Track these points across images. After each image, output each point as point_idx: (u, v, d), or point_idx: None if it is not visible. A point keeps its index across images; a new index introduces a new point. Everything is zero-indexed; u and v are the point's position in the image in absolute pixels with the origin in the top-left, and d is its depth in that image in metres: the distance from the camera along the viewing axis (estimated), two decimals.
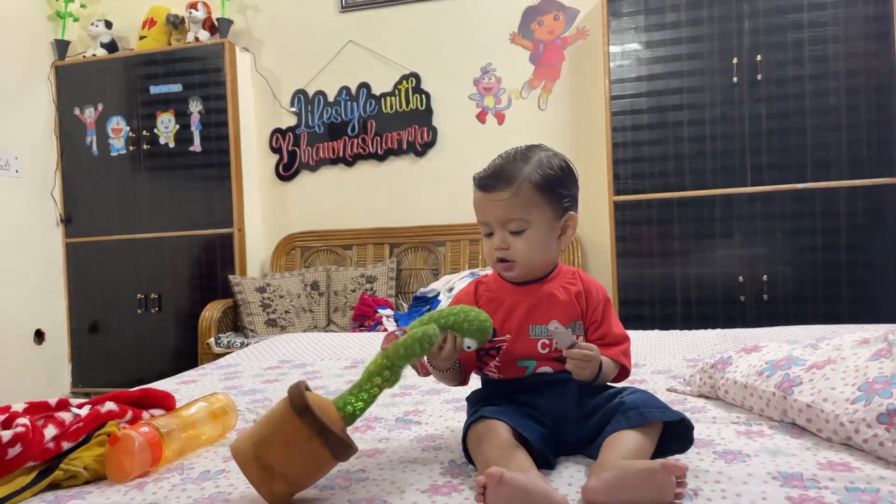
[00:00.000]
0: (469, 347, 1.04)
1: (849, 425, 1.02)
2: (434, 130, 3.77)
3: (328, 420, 0.90)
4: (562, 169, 1.11)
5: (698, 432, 1.14)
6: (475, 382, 1.20)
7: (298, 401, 0.90)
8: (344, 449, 0.91)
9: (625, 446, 0.94)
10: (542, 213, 1.09)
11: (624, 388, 1.09)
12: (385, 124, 3.83)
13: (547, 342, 1.09)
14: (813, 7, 2.92)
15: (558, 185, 1.10)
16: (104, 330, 3.92)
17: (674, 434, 1.01)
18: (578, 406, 1.06)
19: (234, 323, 3.62)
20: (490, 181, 1.09)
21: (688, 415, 1.24)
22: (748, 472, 0.95)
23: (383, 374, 0.99)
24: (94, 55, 3.95)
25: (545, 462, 0.99)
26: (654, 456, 0.97)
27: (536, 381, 1.09)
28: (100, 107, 3.91)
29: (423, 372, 1.10)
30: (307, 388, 0.95)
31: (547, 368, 1.09)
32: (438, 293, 3.38)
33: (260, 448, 0.89)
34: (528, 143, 1.15)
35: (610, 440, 0.97)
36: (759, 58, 2.96)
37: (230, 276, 3.61)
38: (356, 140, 3.87)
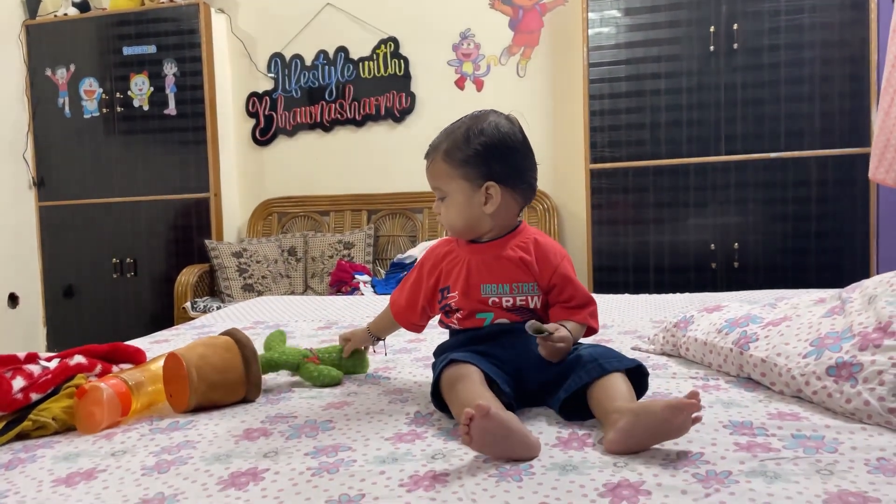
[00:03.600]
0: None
1: (800, 378, 1.05)
2: (412, 96, 3.76)
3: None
4: (482, 143, 1.12)
5: (658, 386, 1.18)
6: (437, 335, 1.23)
7: (249, 347, 1.20)
8: (256, 390, 1.21)
9: (621, 391, 0.97)
10: (457, 184, 1.14)
11: (580, 343, 1.14)
12: (363, 89, 3.80)
13: (497, 300, 1.14)
14: None
15: (470, 159, 1.12)
16: (79, 294, 3.90)
17: (632, 382, 1.05)
18: (536, 354, 1.10)
19: (211, 288, 3.62)
20: (427, 150, 1.19)
21: (649, 371, 1.28)
22: (701, 421, 0.98)
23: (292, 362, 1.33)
24: (65, 14, 3.86)
25: (511, 408, 1.02)
26: None
27: (495, 330, 1.14)
28: (72, 68, 3.84)
29: None
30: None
31: (503, 319, 1.15)
32: (415, 260, 3.39)
33: (205, 364, 1.15)
34: (486, 109, 1.19)
35: (601, 391, 0.98)
36: (735, 27, 2.97)
37: (206, 241, 3.60)
38: (334, 105, 3.84)
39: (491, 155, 1.12)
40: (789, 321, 1.18)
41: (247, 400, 1.20)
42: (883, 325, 1.01)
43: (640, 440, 0.87)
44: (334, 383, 1.29)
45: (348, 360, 1.35)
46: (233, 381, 1.17)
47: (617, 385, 0.99)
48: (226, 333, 1.25)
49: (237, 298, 3.44)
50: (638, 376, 1.06)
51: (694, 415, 0.86)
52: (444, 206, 1.17)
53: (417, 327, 1.30)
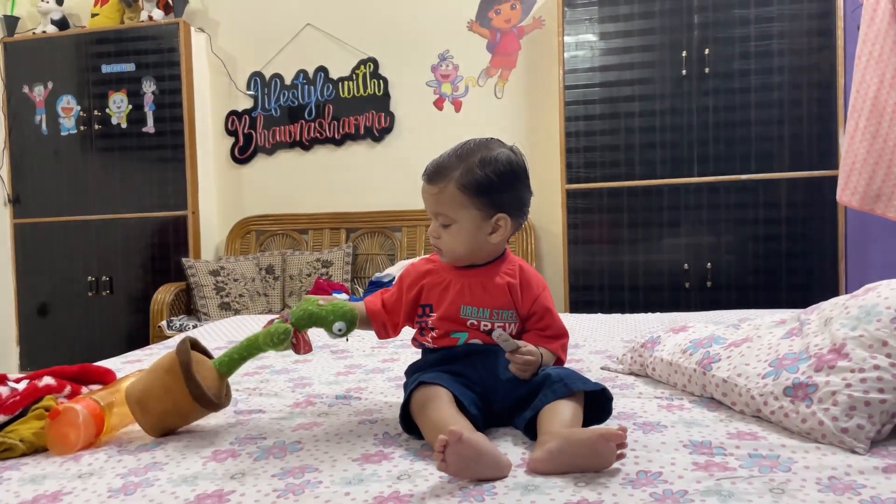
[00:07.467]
0: (340, 331, 1.15)
1: (759, 398, 1.08)
2: (391, 116, 3.79)
3: (203, 377, 1.11)
4: (497, 174, 1.12)
5: (624, 406, 1.20)
6: (411, 355, 1.24)
7: (183, 358, 1.10)
8: (209, 403, 1.11)
9: (562, 416, 0.99)
10: (468, 213, 1.13)
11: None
12: (342, 109, 3.83)
13: (475, 323, 1.16)
14: (759, 3, 3.01)
15: (486, 190, 1.12)
16: (54, 312, 3.86)
17: (596, 405, 1.07)
18: (505, 375, 1.12)
19: (188, 306, 3.60)
20: (428, 173, 1.16)
21: (616, 391, 1.30)
22: (662, 441, 1.00)
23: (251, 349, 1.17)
24: (44, 32, 3.86)
25: (477, 428, 1.04)
26: (582, 425, 1.02)
27: (467, 350, 1.16)
28: (50, 85, 3.83)
29: (304, 350, 1.16)
30: (194, 344, 1.18)
31: (477, 340, 1.17)
32: (394, 278, 3.41)
33: (143, 392, 1.11)
34: (489, 137, 1.19)
35: (547, 412, 1.01)
36: (706, 51, 3.04)
37: (183, 259, 3.58)
38: (313, 124, 3.87)
39: (505, 187, 1.13)
40: (750, 342, 1.21)
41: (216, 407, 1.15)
42: (837, 346, 1.04)
43: (564, 464, 0.89)
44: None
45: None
46: (183, 404, 1.11)
47: (563, 410, 1.00)
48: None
49: (214, 317, 3.42)
50: (603, 401, 1.08)
51: (619, 451, 0.88)
52: (448, 233, 1.15)
53: (387, 330, 1.24)
